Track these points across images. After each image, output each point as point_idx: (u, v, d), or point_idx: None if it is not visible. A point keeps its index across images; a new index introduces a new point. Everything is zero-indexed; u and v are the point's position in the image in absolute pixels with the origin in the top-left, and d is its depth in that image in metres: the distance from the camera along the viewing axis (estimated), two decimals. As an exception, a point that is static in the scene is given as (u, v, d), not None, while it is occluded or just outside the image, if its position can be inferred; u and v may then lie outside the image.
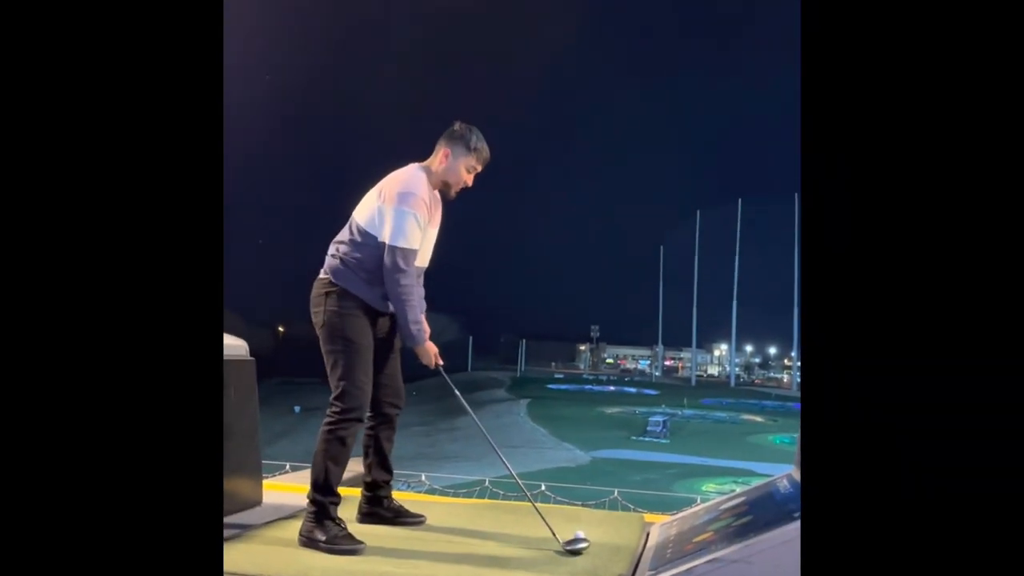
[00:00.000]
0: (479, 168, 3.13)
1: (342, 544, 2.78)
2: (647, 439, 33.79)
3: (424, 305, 3.13)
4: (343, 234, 3.10)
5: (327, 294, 3.02)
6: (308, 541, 2.82)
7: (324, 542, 2.79)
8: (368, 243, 3.00)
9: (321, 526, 2.84)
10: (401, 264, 2.94)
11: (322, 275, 3.06)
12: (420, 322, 3.04)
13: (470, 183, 3.14)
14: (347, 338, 2.99)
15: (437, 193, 3.12)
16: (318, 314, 3.03)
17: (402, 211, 2.94)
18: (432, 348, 3.11)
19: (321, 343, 3.03)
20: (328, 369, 3.01)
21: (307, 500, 2.93)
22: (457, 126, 3.10)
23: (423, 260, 3.11)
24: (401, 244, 2.94)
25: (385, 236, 2.96)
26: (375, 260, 2.98)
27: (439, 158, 3.09)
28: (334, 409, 2.97)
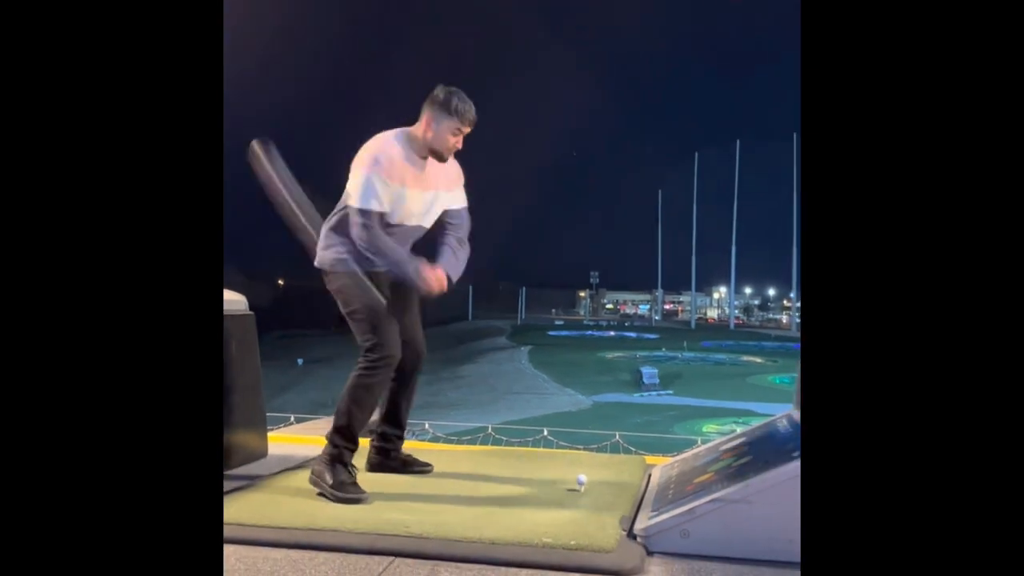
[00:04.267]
0: (465, 130, 3.06)
1: (346, 492, 2.82)
2: (647, 395, 33.13)
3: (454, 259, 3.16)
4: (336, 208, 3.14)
5: (333, 272, 3.08)
6: (316, 480, 2.89)
7: (330, 486, 2.84)
8: (345, 213, 3.03)
9: (332, 469, 2.89)
10: (362, 226, 2.93)
11: (321, 257, 3.10)
12: (407, 262, 3.01)
13: (459, 145, 3.10)
14: (364, 299, 3.02)
15: (421, 155, 3.06)
16: (331, 281, 3.08)
17: (363, 174, 2.94)
18: (432, 273, 3.04)
19: (342, 309, 3.07)
20: (356, 332, 3.05)
21: (326, 440, 2.97)
22: (438, 90, 3.03)
23: (415, 220, 3.11)
24: (361, 206, 2.93)
25: (350, 200, 2.97)
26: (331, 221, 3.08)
27: (423, 125, 3.03)
28: (367, 359, 3.00)
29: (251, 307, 3.67)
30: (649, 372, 35.02)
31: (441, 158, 3.08)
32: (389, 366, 3.04)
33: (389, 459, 3.31)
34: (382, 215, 2.98)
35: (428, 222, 3.19)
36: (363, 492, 2.84)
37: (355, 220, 2.95)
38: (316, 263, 3.14)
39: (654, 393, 32.08)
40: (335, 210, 3.13)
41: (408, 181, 3.02)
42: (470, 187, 3.32)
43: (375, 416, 3.33)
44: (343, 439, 2.96)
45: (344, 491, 2.83)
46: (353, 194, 2.96)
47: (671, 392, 32.45)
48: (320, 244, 3.14)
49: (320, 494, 2.87)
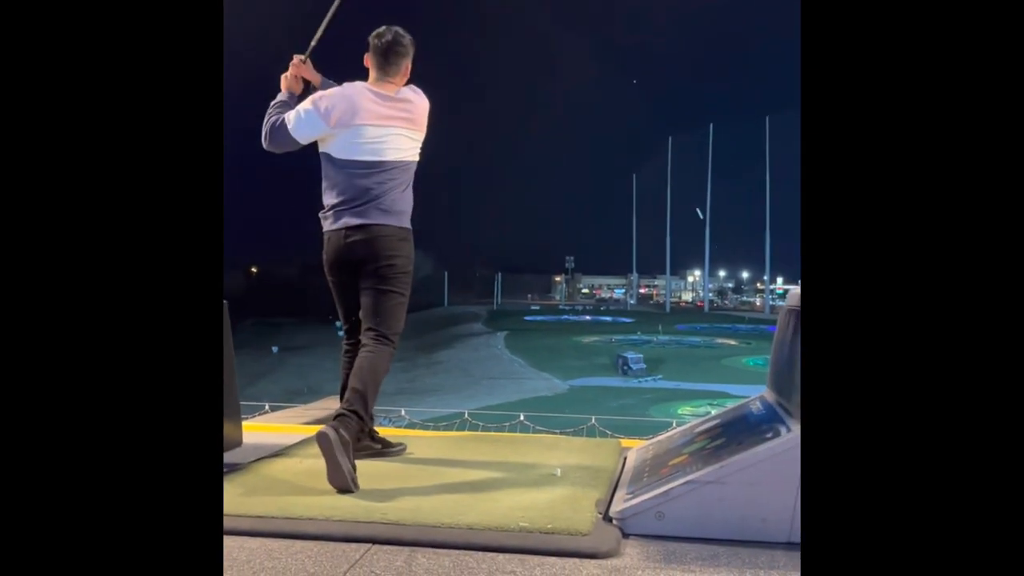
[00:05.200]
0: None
1: (354, 479, 2.76)
2: (643, 380, 32.38)
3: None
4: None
5: (405, 240, 3.23)
6: (339, 447, 2.76)
7: (351, 465, 2.77)
8: (388, 172, 3.19)
9: (349, 455, 2.80)
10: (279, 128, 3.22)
11: (389, 221, 3.18)
12: (275, 106, 3.30)
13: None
14: (410, 286, 3.25)
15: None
16: (397, 258, 3.19)
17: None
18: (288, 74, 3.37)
19: (388, 283, 3.19)
20: (386, 307, 3.19)
21: (347, 411, 2.97)
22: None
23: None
24: (287, 122, 3.21)
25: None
26: (392, 184, 3.18)
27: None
28: (391, 342, 3.19)
29: (224, 295, 3.63)
30: (635, 357, 34.52)
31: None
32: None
33: (362, 443, 3.31)
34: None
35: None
36: (356, 485, 2.78)
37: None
38: (392, 222, 3.19)
39: (649, 379, 31.74)
40: (394, 167, 3.20)
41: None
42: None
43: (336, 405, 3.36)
44: (363, 421, 3.01)
45: (354, 477, 2.76)
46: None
47: (661, 376, 32.20)
48: (389, 205, 3.19)
49: (331, 457, 2.76)
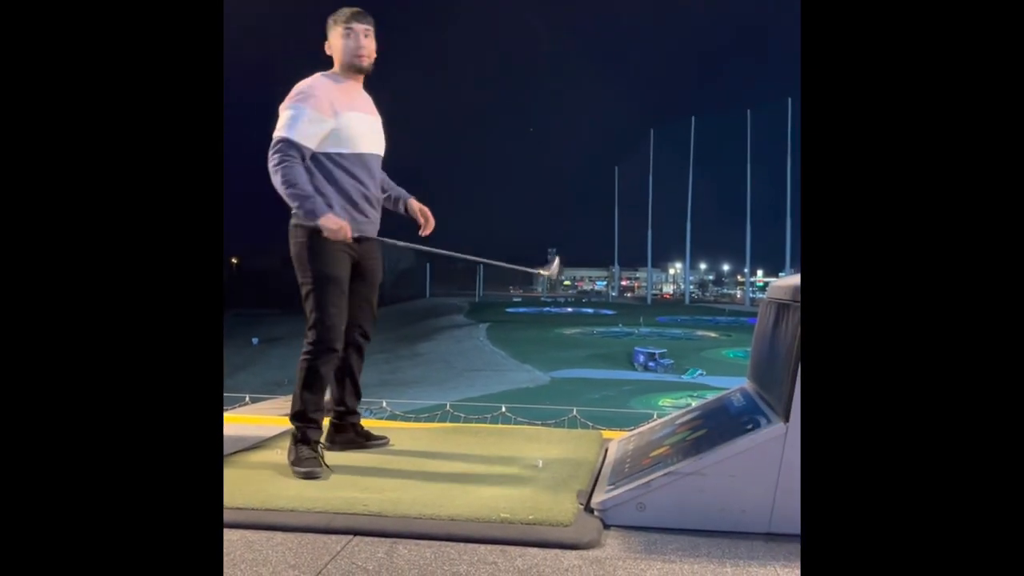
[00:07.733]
0: (355, 27, 3.06)
1: (304, 466, 2.88)
2: (689, 377, 31.49)
3: (393, 191, 3.34)
4: None
5: (295, 226, 3.02)
6: (289, 458, 2.99)
7: (291, 462, 2.93)
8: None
9: (295, 447, 2.98)
10: (281, 153, 2.91)
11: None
12: (309, 196, 2.93)
13: (364, 47, 3.09)
14: (317, 270, 2.98)
15: (348, 83, 3.10)
16: (292, 246, 3.04)
17: (288, 106, 2.96)
18: (338, 221, 2.96)
19: (297, 275, 3.04)
20: (303, 301, 3.03)
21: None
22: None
23: (368, 146, 3.11)
24: (285, 134, 2.92)
25: (276, 132, 2.95)
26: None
27: (329, 50, 3.13)
28: (308, 340, 3.01)
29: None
30: (660, 351, 33.52)
31: (361, 68, 3.11)
32: (332, 350, 3.02)
33: (346, 435, 3.33)
34: (314, 154, 2.99)
35: (380, 147, 3.19)
36: (319, 467, 2.87)
37: (273, 149, 2.92)
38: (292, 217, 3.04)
39: (697, 373, 30.96)
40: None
41: (342, 106, 3.03)
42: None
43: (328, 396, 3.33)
44: (301, 421, 3.01)
45: (301, 465, 2.89)
46: (280, 126, 2.94)
47: (703, 372, 31.40)
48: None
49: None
